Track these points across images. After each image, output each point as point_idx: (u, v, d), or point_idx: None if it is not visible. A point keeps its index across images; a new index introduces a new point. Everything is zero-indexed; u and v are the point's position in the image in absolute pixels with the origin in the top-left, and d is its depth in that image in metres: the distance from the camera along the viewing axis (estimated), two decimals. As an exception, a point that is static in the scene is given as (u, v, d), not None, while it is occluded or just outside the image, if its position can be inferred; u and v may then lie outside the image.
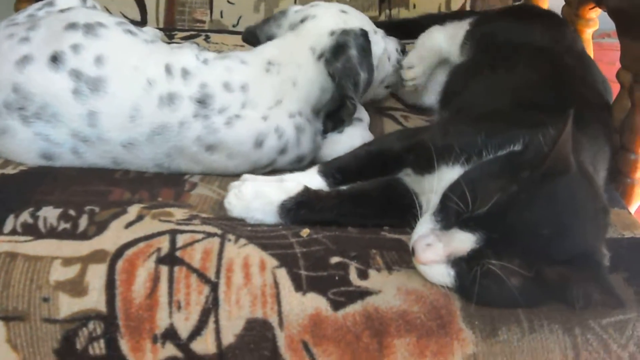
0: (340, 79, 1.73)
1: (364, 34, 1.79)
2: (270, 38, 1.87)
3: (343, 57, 1.73)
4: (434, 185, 1.36)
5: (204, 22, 2.40)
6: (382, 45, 1.93)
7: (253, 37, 1.94)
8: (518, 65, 1.76)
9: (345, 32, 1.77)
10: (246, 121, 1.65)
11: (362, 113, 1.93)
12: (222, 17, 2.39)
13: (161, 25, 2.38)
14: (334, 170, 1.54)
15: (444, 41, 2.03)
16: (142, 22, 2.34)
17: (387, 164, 1.55)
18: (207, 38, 2.29)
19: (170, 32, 2.31)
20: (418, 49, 2.04)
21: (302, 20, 1.84)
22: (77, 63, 1.58)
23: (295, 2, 2.41)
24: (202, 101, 1.63)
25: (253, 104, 1.67)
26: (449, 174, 1.34)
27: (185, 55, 1.69)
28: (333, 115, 1.83)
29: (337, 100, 1.78)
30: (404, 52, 2.05)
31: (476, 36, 1.96)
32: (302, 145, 1.72)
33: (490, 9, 2.43)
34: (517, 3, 2.50)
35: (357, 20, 1.85)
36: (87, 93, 1.57)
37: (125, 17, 2.27)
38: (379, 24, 1.92)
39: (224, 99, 1.64)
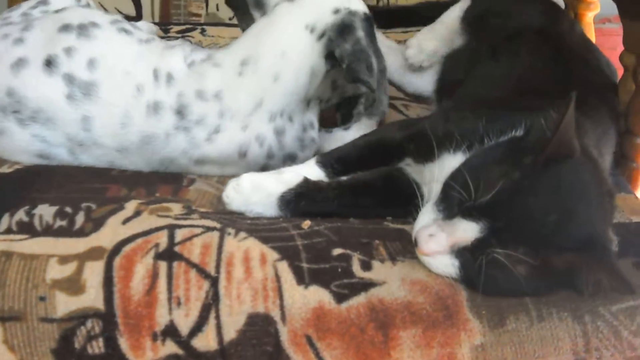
0: (350, 63, 1.57)
1: (369, 18, 1.65)
2: (258, 3, 1.74)
3: (351, 38, 1.59)
4: (436, 174, 1.34)
5: (199, 15, 2.38)
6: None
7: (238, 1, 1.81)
8: (519, 50, 1.75)
9: (351, 13, 1.61)
10: (226, 134, 1.58)
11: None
12: (218, 10, 2.37)
13: (157, 20, 2.36)
14: (333, 161, 1.52)
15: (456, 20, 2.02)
16: (137, 17, 2.32)
17: (387, 154, 1.53)
18: (203, 31, 2.27)
19: (165, 26, 2.29)
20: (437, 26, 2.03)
21: None
22: (70, 67, 1.55)
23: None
24: (180, 112, 1.57)
25: (231, 112, 1.58)
26: (450, 162, 1.33)
27: (175, 57, 1.63)
28: (346, 107, 1.77)
29: (339, 90, 1.70)
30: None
31: (470, 20, 1.94)
32: (286, 147, 1.64)
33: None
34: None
35: (360, 4, 1.68)
36: (80, 98, 1.54)
37: (120, 12, 2.26)
38: (377, 10, 1.87)
39: (199, 109, 1.58)
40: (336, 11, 1.61)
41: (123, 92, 1.56)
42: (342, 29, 1.59)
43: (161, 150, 1.58)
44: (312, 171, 1.49)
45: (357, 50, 1.57)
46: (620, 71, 1.80)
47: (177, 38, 2.15)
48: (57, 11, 1.71)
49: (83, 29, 1.60)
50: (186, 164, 1.60)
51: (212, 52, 1.66)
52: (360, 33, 1.59)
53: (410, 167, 1.50)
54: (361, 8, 1.65)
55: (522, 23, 1.84)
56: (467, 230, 1.18)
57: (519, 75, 1.67)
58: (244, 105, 1.58)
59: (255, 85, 1.59)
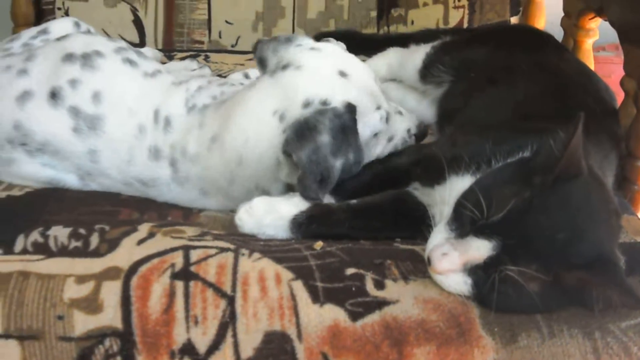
0: (301, 175, 1.41)
1: (350, 110, 1.45)
2: (262, 60, 1.59)
3: (309, 145, 1.40)
4: (445, 195, 1.35)
5: (202, 42, 2.39)
6: (379, 127, 1.55)
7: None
8: (516, 80, 1.75)
9: (321, 111, 1.43)
10: (212, 199, 1.58)
11: None
12: (220, 37, 2.38)
13: (160, 47, 2.37)
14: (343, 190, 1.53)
15: (393, 65, 2.04)
16: (140, 44, 2.34)
17: (394, 180, 1.55)
18: (206, 58, 2.28)
19: (169, 53, 2.30)
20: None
21: (284, 67, 1.51)
22: (76, 100, 1.55)
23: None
24: (173, 165, 1.55)
25: (210, 180, 1.54)
26: (459, 184, 1.34)
27: (177, 97, 1.60)
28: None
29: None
30: (423, 134, 1.70)
31: (452, 62, 1.95)
32: None
33: (486, 23, 2.43)
34: (512, 17, 2.50)
35: (352, 90, 1.49)
36: (86, 131, 1.54)
37: (123, 39, 2.26)
38: (376, 38, 1.86)
39: (185, 167, 1.56)
40: (306, 104, 1.45)
41: (126, 130, 1.56)
42: (302, 131, 1.41)
43: (166, 195, 1.58)
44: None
45: (313, 161, 1.40)
46: (619, 96, 1.82)
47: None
48: (58, 39, 1.70)
49: (87, 59, 1.59)
50: (190, 209, 1.59)
51: (217, 96, 1.63)
52: (324, 138, 1.41)
53: (418, 191, 1.52)
54: (343, 98, 1.46)
55: (513, 57, 1.86)
56: (480, 248, 1.20)
57: (519, 102, 1.69)
58: (218, 180, 1.54)
59: (223, 165, 1.52)
